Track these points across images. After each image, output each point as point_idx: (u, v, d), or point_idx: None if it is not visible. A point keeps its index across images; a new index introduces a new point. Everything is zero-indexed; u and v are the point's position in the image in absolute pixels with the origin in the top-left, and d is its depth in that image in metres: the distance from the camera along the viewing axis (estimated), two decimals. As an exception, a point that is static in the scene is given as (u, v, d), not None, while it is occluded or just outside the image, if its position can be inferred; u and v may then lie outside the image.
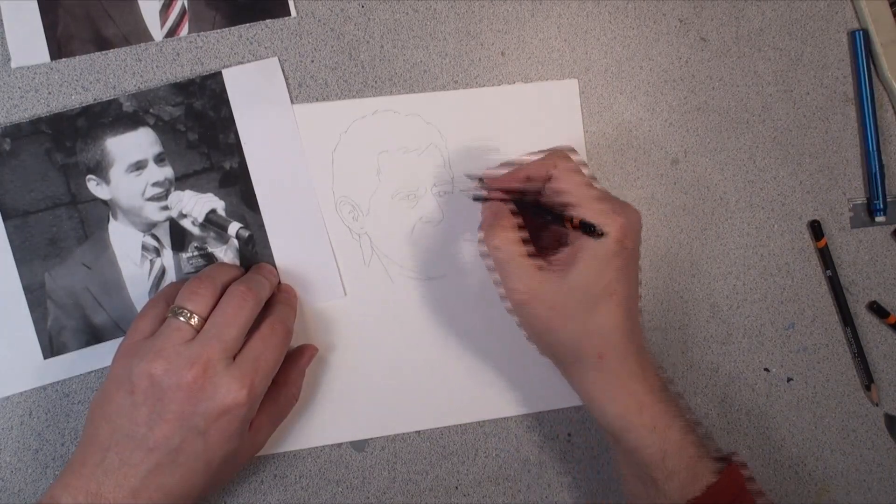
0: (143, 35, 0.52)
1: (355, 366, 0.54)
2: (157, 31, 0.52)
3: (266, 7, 0.53)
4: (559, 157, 0.48)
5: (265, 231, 0.53)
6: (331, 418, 0.54)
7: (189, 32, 0.53)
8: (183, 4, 0.53)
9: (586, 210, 0.46)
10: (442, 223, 0.55)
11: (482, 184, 0.52)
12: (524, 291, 0.46)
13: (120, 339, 0.51)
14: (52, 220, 0.51)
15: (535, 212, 0.50)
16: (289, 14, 0.53)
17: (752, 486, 0.47)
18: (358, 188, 0.54)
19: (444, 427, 0.55)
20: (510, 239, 0.47)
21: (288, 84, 0.53)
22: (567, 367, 0.49)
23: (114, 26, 0.52)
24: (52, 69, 0.52)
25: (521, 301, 0.47)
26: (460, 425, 0.55)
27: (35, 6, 0.51)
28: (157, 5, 0.53)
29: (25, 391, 0.52)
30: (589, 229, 0.45)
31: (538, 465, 0.56)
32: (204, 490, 0.45)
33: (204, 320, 0.46)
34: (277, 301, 0.50)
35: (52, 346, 0.52)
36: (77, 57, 0.52)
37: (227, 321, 0.45)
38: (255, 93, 0.53)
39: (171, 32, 0.53)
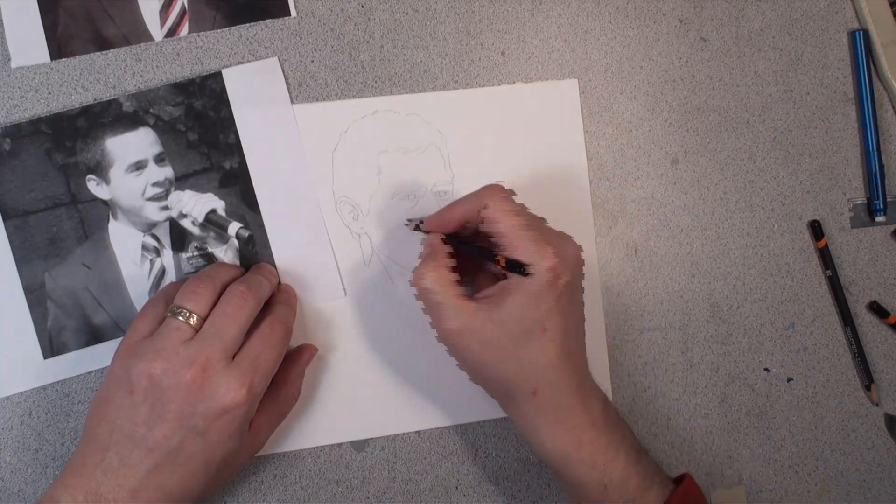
0: (143, 35, 0.52)
1: (355, 366, 0.54)
2: (157, 31, 0.53)
3: (266, 7, 0.53)
4: (488, 192, 0.47)
5: (265, 231, 0.53)
6: (331, 418, 0.54)
7: (189, 32, 0.53)
8: (183, 4, 0.53)
9: (516, 248, 0.45)
10: (442, 223, 0.55)
11: (420, 227, 0.51)
12: (455, 326, 0.46)
13: (120, 339, 0.51)
14: (52, 220, 0.51)
15: (469, 250, 0.49)
16: (289, 14, 0.53)
17: None
18: (358, 188, 0.54)
19: (444, 427, 0.55)
20: (441, 274, 0.46)
21: (288, 84, 0.53)
22: (503, 401, 0.49)
23: (114, 26, 0.52)
24: (52, 69, 0.52)
25: (453, 336, 0.46)
26: (460, 425, 0.55)
27: (35, 6, 0.51)
28: (157, 5, 0.53)
29: (25, 391, 0.52)
30: (516, 269, 0.45)
31: (538, 465, 0.56)
32: (204, 490, 0.45)
33: (203, 320, 0.46)
34: (277, 301, 0.50)
35: (52, 346, 0.52)
36: (77, 57, 0.52)
37: (226, 321, 0.45)
38: (255, 93, 0.53)
39: (171, 32, 0.53)
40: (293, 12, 0.54)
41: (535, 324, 0.45)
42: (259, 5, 0.53)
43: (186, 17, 0.53)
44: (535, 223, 0.47)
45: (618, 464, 0.46)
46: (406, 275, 0.54)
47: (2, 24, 0.51)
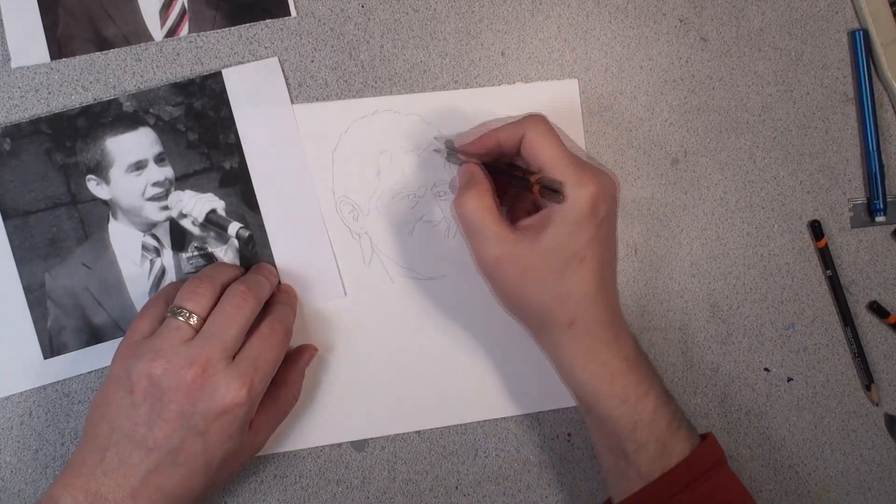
0: (143, 35, 0.52)
1: (355, 366, 0.54)
2: (157, 31, 0.53)
3: (266, 7, 0.53)
4: (531, 121, 0.48)
5: (265, 231, 0.53)
6: (331, 418, 0.54)
7: (189, 32, 0.53)
8: (183, 4, 0.53)
9: (556, 173, 0.46)
10: (442, 223, 0.55)
11: (453, 148, 0.51)
12: (495, 254, 0.46)
13: (120, 339, 0.51)
14: (52, 220, 0.51)
15: (507, 175, 0.49)
16: (289, 14, 0.53)
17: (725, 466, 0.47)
18: (358, 188, 0.54)
19: (444, 427, 0.55)
20: (483, 202, 0.47)
21: (288, 84, 0.53)
22: (538, 332, 0.49)
23: (114, 26, 0.52)
24: (52, 69, 0.52)
25: (492, 264, 0.46)
26: (460, 425, 0.55)
27: (35, 6, 0.51)
28: (157, 5, 0.53)
29: (25, 391, 0.52)
30: (552, 192, 0.45)
31: (538, 465, 0.56)
32: (204, 490, 0.45)
33: (203, 320, 0.46)
34: (277, 301, 0.50)
35: (52, 346, 0.52)
36: (77, 57, 0.52)
37: (226, 321, 0.45)
38: (255, 93, 0.53)
39: (171, 32, 0.53)
40: (293, 12, 0.54)
41: (575, 254, 0.45)
42: (259, 5, 0.53)
43: (186, 17, 0.53)
44: (574, 155, 0.47)
45: (648, 401, 0.46)
46: (406, 275, 0.54)
47: (2, 24, 0.51)
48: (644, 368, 0.48)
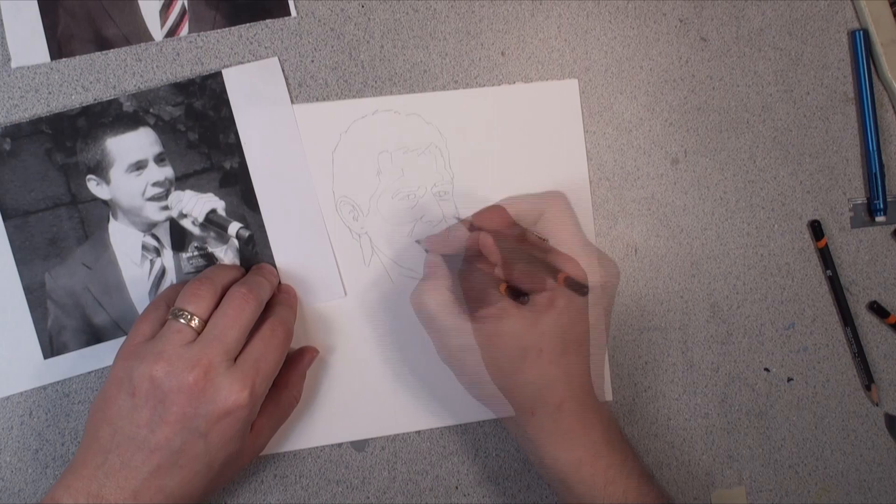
0: (143, 35, 0.52)
1: (355, 366, 0.54)
2: (157, 31, 0.52)
3: (266, 7, 0.53)
4: (484, 216, 0.49)
5: (265, 231, 0.53)
6: (331, 418, 0.54)
7: (189, 32, 0.53)
8: (183, 4, 0.53)
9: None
10: (442, 223, 0.55)
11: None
12: (453, 346, 0.47)
13: (120, 339, 0.51)
14: (52, 220, 0.51)
15: (472, 276, 0.50)
16: (289, 14, 0.53)
17: None
18: (358, 188, 0.54)
19: (444, 427, 0.55)
20: (439, 293, 0.48)
21: (288, 84, 0.53)
22: (524, 412, 0.48)
23: (114, 26, 0.52)
24: (52, 69, 0.52)
25: (451, 355, 0.48)
26: (460, 425, 0.55)
27: (35, 6, 0.51)
28: (158, 5, 0.53)
29: (25, 391, 0.52)
30: (516, 296, 0.46)
31: (538, 465, 0.56)
32: (205, 492, 0.45)
33: (204, 322, 0.46)
34: (278, 302, 0.50)
35: (52, 346, 0.52)
36: (77, 57, 0.52)
37: (227, 323, 0.45)
38: (255, 93, 0.53)
39: (171, 32, 0.53)
40: (293, 12, 0.53)
41: (532, 345, 0.46)
42: (259, 5, 0.53)
43: (186, 17, 0.53)
44: (533, 247, 0.48)
45: (617, 487, 0.46)
46: (407, 274, 0.54)
47: (2, 24, 0.51)
48: (613, 452, 0.47)
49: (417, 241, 0.54)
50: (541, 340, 0.46)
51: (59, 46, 0.52)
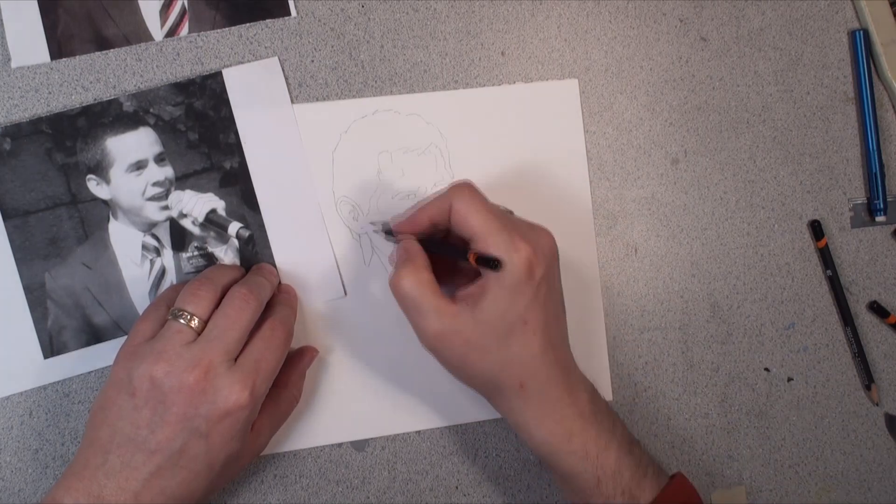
0: (144, 35, 0.52)
1: (355, 366, 0.54)
2: (157, 31, 0.52)
3: (266, 7, 0.53)
4: (455, 190, 0.47)
5: (265, 231, 0.53)
6: (331, 418, 0.54)
7: (189, 32, 0.53)
8: (183, 4, 0.53)
9: (488, 243, 0.45)
10: (442, 223, 0.55)
11: (389, 231, 0.51)
12: (436, 329, 0.45)
13: (120, 339, 0.51)
14: (52, 219, 0.51)
15: (442, 250, 0.49)
16: (289, 14, 0.53)
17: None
18: (358, 188, 0.54)
19: (444, 427, 0.55)
20: (419, 277, 0.46)
21: (288, 84, 0.53)
22: (491, 398, 0.49)
23: (114, 26, 0.52)
24: (52, 69, 0.52)
25: (435, 339, 0.46)
26: (460, 425, 0.55)
27: (35, 6, 0.51)
28: (158, 5, 0.53)
29: (25, 391, 0.52)
30: (488, 263, 0.45)
31: (538, 465, 0.56)
32: (206, 492, 0.45)
33: (205, 323, 0.45)
34: (278, 302, 0.50)
35: (52, 346, 0.52)
36: (77, 57, 0.52)
37: (228, 323, 0.45)
38: (255, 93, 0.53)
39: (172, 32, 0.53)
40: (293, 12, 0.53)
41: (517, 318, 0.45)
42: (259, 5, 0.53)
43: (186, 17, 0.53)
44: (504, 217, 0.47)
45: (610, 454, 0.46)
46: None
47: (2, 24, 0.51)
48: (603, 420, 0.47)
49: (373, 226, 0.53)
50: (525, 311, 0.45)
51: (59, 46, 0.52)
